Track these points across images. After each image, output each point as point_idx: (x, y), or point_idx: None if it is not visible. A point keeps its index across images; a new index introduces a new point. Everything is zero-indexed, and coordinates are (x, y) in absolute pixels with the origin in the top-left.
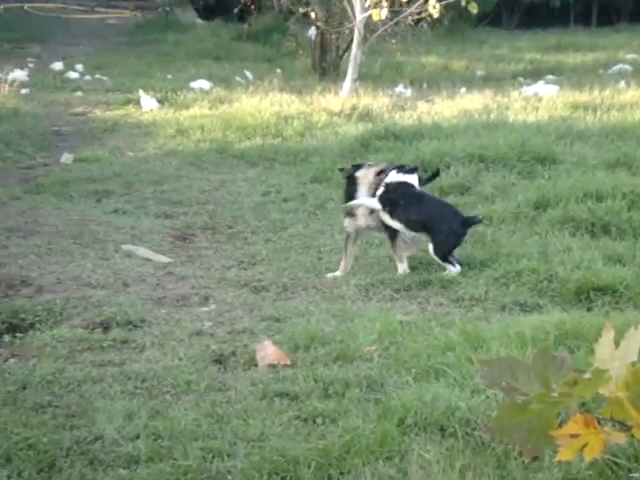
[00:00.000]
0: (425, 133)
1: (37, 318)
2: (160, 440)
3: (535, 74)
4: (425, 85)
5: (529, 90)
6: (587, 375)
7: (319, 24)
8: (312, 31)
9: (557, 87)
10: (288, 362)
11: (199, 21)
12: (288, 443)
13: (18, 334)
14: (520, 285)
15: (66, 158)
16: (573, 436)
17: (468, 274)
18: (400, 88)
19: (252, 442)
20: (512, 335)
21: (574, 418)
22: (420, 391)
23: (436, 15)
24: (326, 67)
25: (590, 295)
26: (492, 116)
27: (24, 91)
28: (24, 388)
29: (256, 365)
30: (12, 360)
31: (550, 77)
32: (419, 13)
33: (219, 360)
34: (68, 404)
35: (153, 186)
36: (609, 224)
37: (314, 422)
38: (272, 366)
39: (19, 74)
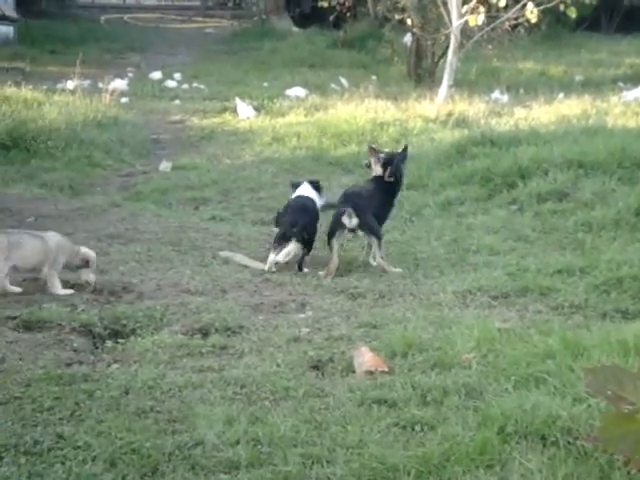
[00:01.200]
0: (522, 139)
1: (138, 324)
2: (260, 446)
3: (635, 79)
4: (522, 91)
5: (629, 95)
6: None
7: (415, 30)
8: (407, 37)
9: None
10: (386, 369)
11: (295, 29)
12: (387, 450)
13: (120, 340)
14: (621, 292)
15: (165, 166)
16: None
17: (567, 281)
18: (496, 94)
19: (351, 449)
20: (614, 343)
21: None
22: (520, 399)
23: (534, 20)
24: (421, 73)
25: None
26: (591, 121)
27: (124, 100)
28: (127, 393)
29: (353, 372)
30: (115, 365)
31: None
32: (516, 18)
33: (317, 366)
34: (169, 409)
35: (250, 193)
36: None
37: (413, 429)
38: (369, 373)
39: (119, 83)
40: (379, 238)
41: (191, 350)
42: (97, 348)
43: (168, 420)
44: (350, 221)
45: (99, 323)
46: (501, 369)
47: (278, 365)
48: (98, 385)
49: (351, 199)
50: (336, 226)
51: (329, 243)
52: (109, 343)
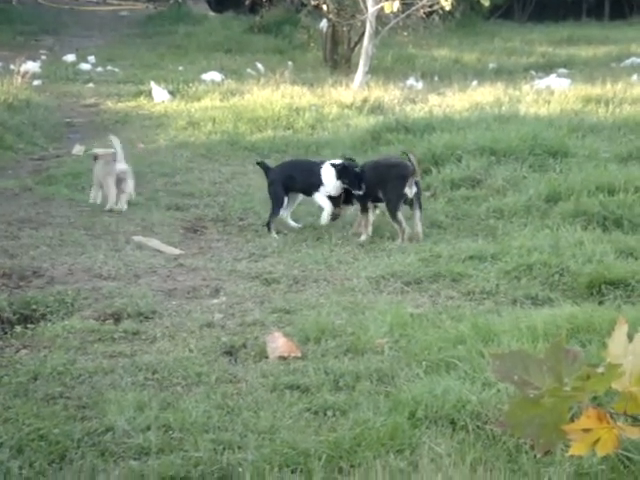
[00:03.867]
0: (436, 126)
1: (48, 309)
2: (171, 432)
3: (547, 67)
4: (437, 78)
5: (541, 83)
6: (600, 369)
7: (331, 16)
8: (324, 23)
9: (569, 80)
10: (299, 354)
11: (211, 13)
12: (299, 435)
13: (29, 325)
14: (531, 279)
15: (78, 149)
16: (586, 431)
17: (479, 267)
18: (412, 81)
19: (263, 434)
20: (523, 329)
21: (587, 413)
22: (431, 384)
23: (448, 8)
24: (338, 59)
25: (602, 289)
26: (504, 109)
27: (36, 83)
28: (35, 379)
29: (267, 357)
30: (23, 351)
31: (562, 70)
32: (431, 6)
33: (230, 352)
34: (79, 395)
35: (164, 178)
36: (621, 218)
37: (325, 415)
38: (283, 358)
39: (31, 66)
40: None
41: (102, 335)
42: (5, 333)
43: (77, 406)
44: (411, 191)
45: (8, 308)
46: (413, 354)
47: (191, 350)
48: (6, 371)
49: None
50: (400, 197)
51: (395, 217)
52: (18, 328)
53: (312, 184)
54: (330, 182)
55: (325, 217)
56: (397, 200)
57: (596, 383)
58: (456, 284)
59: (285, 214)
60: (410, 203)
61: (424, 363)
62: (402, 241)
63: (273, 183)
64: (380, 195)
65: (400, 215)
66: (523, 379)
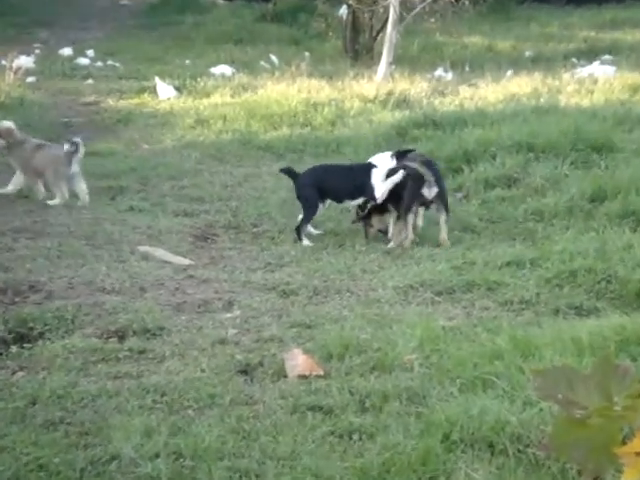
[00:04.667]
0: (468, 120)
1: (47, 327)
2: (182, 459)
3: (590, 54)
4: (467, 68)
5: (583, 71)
6: None
7: (351, 2)
8: (343, 10)
9: (614, 68)
10: (320, 372)
11: (220, 1)
12: (322, 462)
13: (26, 345)
14: (575, 286)
15: None
16: (639, 454)
17: (517, 274)
18: (440, 71)
19: (282, 461)
20: (567, 342)
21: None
22: (466, 404)
23: None
24: (359, 49)
25: None
26: (542, 100)
27: (30, 79)
28: (33, 404)
29: (285, 376)
30: (20, 373)
31: (606, 57)
32: None
33: (245, 371)
34: (81, 421)
35: (171, 181)
36: None
37: (350, 438)
38: (303, 377)
39: (25, 61)
40: (449, 212)
41: (106, 355)
42: (0, 354)
43: (80, 433)
44: (430, 192)
45: (2, 326)
46: (445, 371)
47: (202, 370)
48: (1, 395)
49: (430, 165)
50: (414, 198)
51: (406, 216)
52: (14, 348)
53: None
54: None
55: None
56: (410, 202)
57: None
58: (492, 293)
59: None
60: (429, 206)
61: (458, 381)
62: (396, 245)
63: (305, 187)
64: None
65: (410, 218)
66: (568, 397)
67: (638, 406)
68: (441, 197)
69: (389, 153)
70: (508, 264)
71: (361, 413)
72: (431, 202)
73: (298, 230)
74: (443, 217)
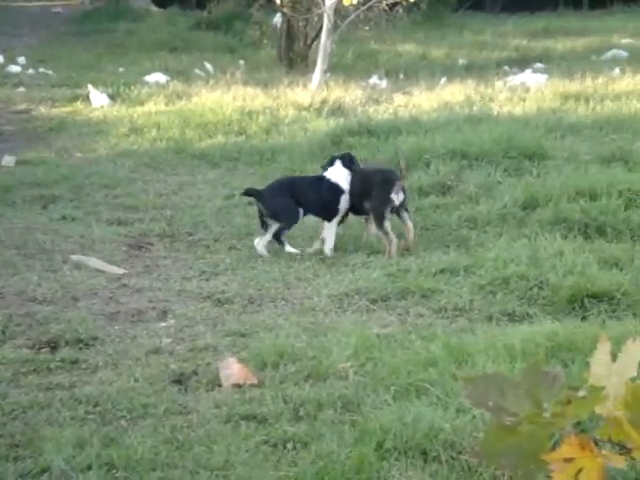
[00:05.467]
0: (402, 128)
1: None
2: (114, 470)
3: (522, 62)
4: (402, 75)
5: (515, 79)
6: (582, 393)
7: (285, 10)
8: (277, 18)
9: (546, 76)
10: (255, 381)
11: (154, 8)
12: (255, 471)
13: None
14: (508, 293)
15: (7, 161)
16: (567, 460)
17: (451, 282)
18: (375, 79)
19: (216, 470)
20: (500, 348)
21: (568, 440)
22: (400, 411)
23: None
24: (293, 57)
25: (584, 303)
26: (475, 108)
27: None
28: None
29: (220, 385)
30: None
31: (538, 65)
32: None
33: (179, 380)
34: (11, 433)
35: (105, 190)
36: (604, 225)
37: (284, 447)
38: (237, 386)
39: None
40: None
41: (38, 366)
42: None
43: (10, 445)
44: (398, 197)
45: None
46: (380, 379)
47: (136, 380)
48: None
49: (392, 173)
50: (385, 204)
51: (382, 226)
52: None
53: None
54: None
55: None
56: (383, 208)
57: (578, 408)
58: (426, 300)
59: (259, 240)
60: (397, 211)
61: (392, 388)
62: (389, 256)
63: (276, 196)
64: (365, 205)
65: (387, 225)
66: (498, 404)
67: (567, 413)
68: (406, 201)
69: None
70: (442, 271)
71: (295, 422)
72: (398, 208)
73: (279, 237)
74: (410, 220)
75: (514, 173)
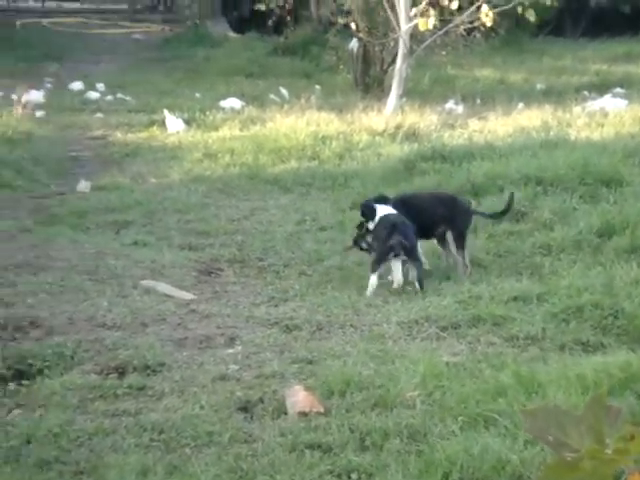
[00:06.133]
0: (476, 153)
1: (46, 363)
2: None
3: (601, 87)
4: (479, 100)
5: (594, 105)
6: None
7: (361, 36)
8: (354, 43)
9: (626, 101)
10: (321, 410)
11: (232, 34)
12: None
13: (24, 381)
14: (582, 322)
15: (83, 186)
16: None
17: (523, 310)
18: (451, 104)
19: None
20: (572, 379)
21: (632, 478)
22: (467, 442)
23: (489, 24)
24: (369, 82)
25: None
26: (551, 134)
27: (39, 114)
28: (28, 442)
29: (286, 413)
30: (16, 411)
31: (618, 90)
32: (471, 22)
33: (245, 408)
34: (76, 460)
35: (177, 215)
36: None
37: (349, 477)
38: (303, 414)
39: (34, 95)
40: None
41: (105, 392)
42: None
43: (74, 472)
44: None
45: (1, 363)
46: (448, 408)
47: (201, 407)
48: None
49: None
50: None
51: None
52: (12, 385)
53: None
54: None
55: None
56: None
57: None
58: (498, 329)
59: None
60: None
61: (460, 418)
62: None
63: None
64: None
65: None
66: (559, 439)
67: (630, 449)
68: None
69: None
70: (515, 299)
71: (361, 451)
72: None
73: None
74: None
75: (590, 200)
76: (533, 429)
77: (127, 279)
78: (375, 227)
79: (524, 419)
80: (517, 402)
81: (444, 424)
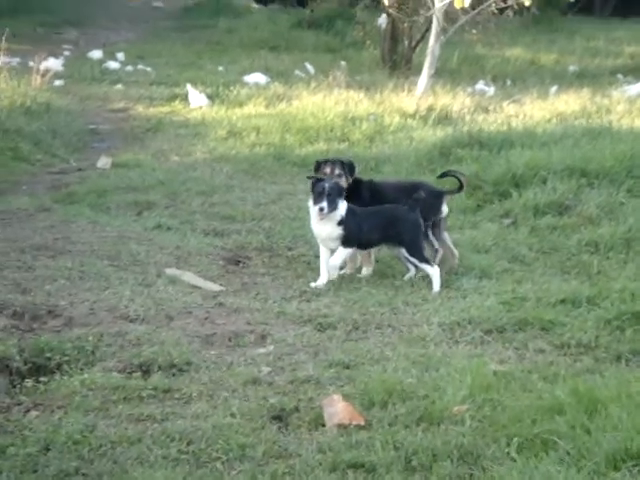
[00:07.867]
0: (515, 141)
1: (65, 358)
2: None
3: (637, 71)
4: (509, 82)
5: (632, 89)
6: None
7: (391, 11)
8: (382, 19)
9: None
10: (361, 422)
11: (255, 5)
12: None
13: (42, 378)
14: (638, 330)
15: (103, 162)
16: None
17: (573, 314)
18: (481, 85)
19: None
20: (634, 396)
21: None
22: (525, 468)
23: (527, 3)
24: (397, 60)
25: None
26: (592, 121)
27: (58, 83)
28: (47, 450)
29: (323, 425)
30: (34, 412)
31: None
32: (505, 0)
33: (279, 417)
34: (99, 472)
35: (201, 197)
36: None
37: None
38: (342, 426)
39: (53, 63)
40: None
41: (128, 393)
42: (14, 387)
43: None
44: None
45: (18, 356)
46: (500, 426)
47: (232, 415)
48: (12, 439)
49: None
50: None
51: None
52: (29, 382)
53: None
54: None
55: None
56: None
57: None
58: (546, 334)
59: None
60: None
61: (515, 439)
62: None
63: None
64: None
65: None
66: None
67: None
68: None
69: None
70: (563, 301)
71: (407, 473)
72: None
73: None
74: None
75: (639, 194)
76: None
77: (151, 266)
78: None
79: None
80: (578, 423)
81: (498, 445)
